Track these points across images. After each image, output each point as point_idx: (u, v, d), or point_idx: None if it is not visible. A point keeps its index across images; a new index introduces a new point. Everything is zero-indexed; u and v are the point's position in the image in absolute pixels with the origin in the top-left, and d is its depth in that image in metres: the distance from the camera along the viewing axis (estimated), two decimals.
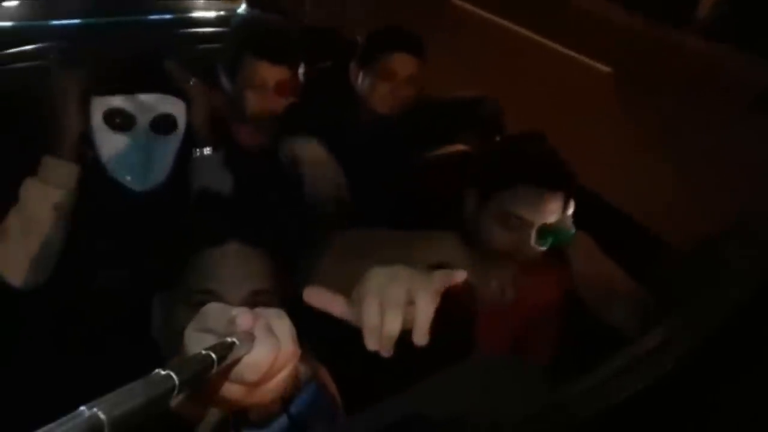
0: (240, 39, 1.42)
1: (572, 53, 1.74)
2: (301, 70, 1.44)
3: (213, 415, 0.51)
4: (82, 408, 0.29)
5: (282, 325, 0.47)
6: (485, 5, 1.97)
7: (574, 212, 1.16)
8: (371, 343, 0.53)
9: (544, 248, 1.13)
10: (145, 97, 1.14)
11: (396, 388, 0.58)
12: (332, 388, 0.85)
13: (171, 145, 1.18)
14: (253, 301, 0.79)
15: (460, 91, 1.77)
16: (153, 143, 1.15)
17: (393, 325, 0.52)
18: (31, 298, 1.08)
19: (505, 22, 1.91)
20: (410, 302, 0.53)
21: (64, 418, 0.28)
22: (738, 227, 1.11)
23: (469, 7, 2.02)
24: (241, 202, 1.10)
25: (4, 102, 1.38)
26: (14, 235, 1.06)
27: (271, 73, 1.39)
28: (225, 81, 1.45)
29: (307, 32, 2.00)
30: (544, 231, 1.12)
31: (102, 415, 0.29)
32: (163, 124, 1.16)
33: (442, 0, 2.10)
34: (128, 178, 1.15)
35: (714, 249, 1.10)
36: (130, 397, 0.31)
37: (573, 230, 1.15)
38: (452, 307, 0.56)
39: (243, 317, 0.45)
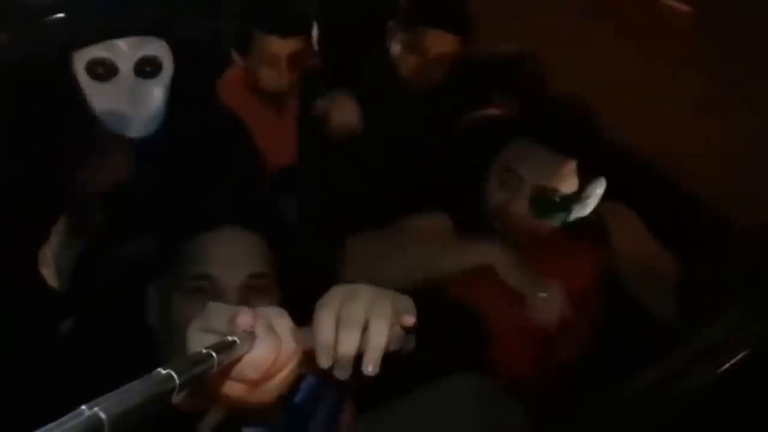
0: (247, 14, 1.40)
1: None
2: (314, 34, 1.42)
3: (214, 413, 0.51)
4: (83, 407, 0.29)
5: (283, 323, 0.47)
6: None
7: (615, 187, 1.08)
8: (323, 360, 0.51)
9: (540, 218, 1.05)
10: (123, 42, 1.10)
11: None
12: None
13: (159, 87, 1.14)
14: (250, 285, 0.78)
15: (500, 48, 1.68)
16: (140, 88, 1.12)
17: (348, 345, 0.50)
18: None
19: None
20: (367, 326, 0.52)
21: (64, 418, 0.28)
22: None
23: None
24: (237, 186, 1.08)
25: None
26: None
27: (282, 47, 1.36)
28: (236, 57, 1.43)
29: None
30: (540, 198, 1.03)
31: (102, 415, 0.29)
32: (147, 68, 1.12)
33: None
34: (122, 127, 1.13)
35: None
36: (130, 396, 0.31)
37: (585, 206, 1.06)
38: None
39: (244, 316, 0.45)
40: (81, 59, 1.10)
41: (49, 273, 1.10)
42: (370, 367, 0.51)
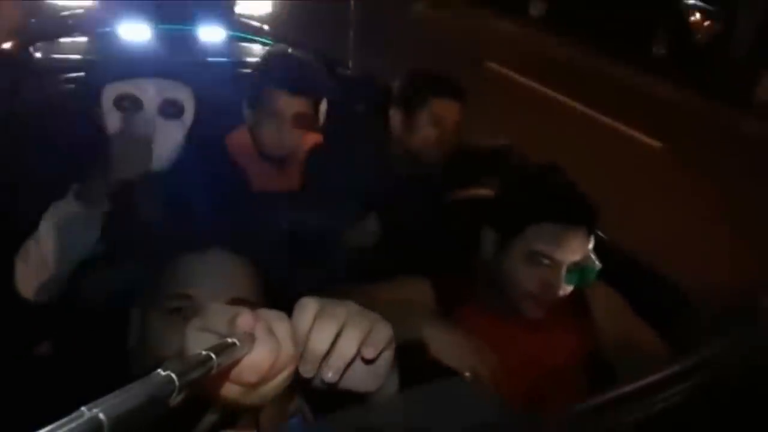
0: (261, 70, 1.44)
1: (621, 126, 1.77)
2: (323, 108, 1.44)
3: (212, 414, 0.50)
4: (83, 409, 0.29)
5: (282, 326, 0.47)
6: (524, 71, 2.03)
7: (606, 270, 1.12)
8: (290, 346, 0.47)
9: (570, 286, 1.09)
10: (152, 82, 1.18)
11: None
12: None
13: (177, 130, 1.21)
14: None
15: (490, 140, 1.78)
16: (160, 127, 1.19)
17: (320, 342, 0.48)
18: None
19: (549, 91, 1.97)
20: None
21: (65, 419, 0.28)
22: None
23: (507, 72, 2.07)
24: (226, 211, 1.09)
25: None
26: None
27: (289, 105, 1.37)
28: (247, 114, 1.45)
29: (345, 79, 2.05)
30: (572, 272, 1.08)
31: (102, 416, 0.29)
32: (169, 109, 1.20)
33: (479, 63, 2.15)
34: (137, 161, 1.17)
35: (746, 308, 1.06)
36: (130, 397, 0.32)
37: (598, 266, 1.11)
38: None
39: (244, 318, 0.44)
40: (110, 93, 1.18)
41: (26, 283, 1.09)
42: (329, 374, 0.49)
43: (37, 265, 1.09)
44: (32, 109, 1.55)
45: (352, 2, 2.66)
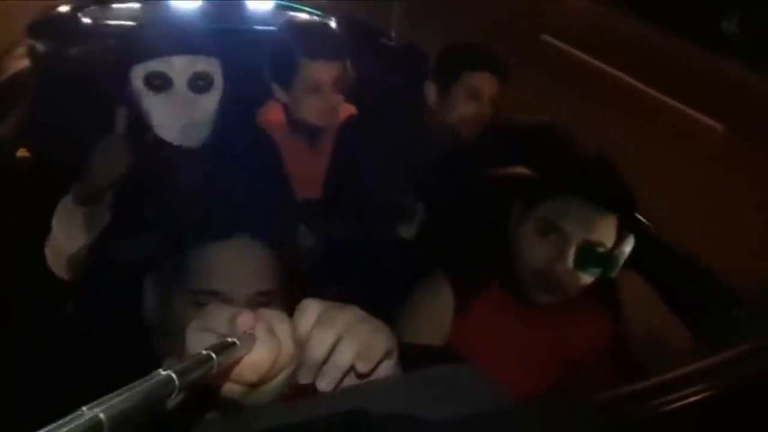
0: (291, 44, 1.42)
1: (679, 105, 1.68)
2: (348, 66, 1.44)
3: (212, 414, 0.50)
4: (82, 408, 0.29)
5: (283, 326, 0.47)
6: (580, 46, 1.94)
7: (643, 260, 1.07)
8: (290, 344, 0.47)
9: (581, 273, 1.03)
10: (179, 59, 1.21)
11: None
12: None
13: (210, 102, 1.24)
14: (258, 302, 0.76)
15: (533, 117, 1.71)
16: (192, 102, 1.22)
17: (318, 346, 0.47)
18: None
19: (607, 68, 1.88)
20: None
21: (64, 419, 0.28)
22: None
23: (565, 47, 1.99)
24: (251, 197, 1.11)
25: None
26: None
27: (327, 72, 1.38)
28: (278, 91, 1.44)
29: (388, 50, 2.01)
30: (585, 252, 1.02)
31: (102, 416, 0.29)
32: (199, 83, 1.22)
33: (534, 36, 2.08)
34: (173, 136, 1.23)
35: None
36: (130, 397, 0.31)
37: (624, 255, 1.04)
38: None
39: (244, 317, 0.45)
40: (139, 73, 1.21)
41: (56, 261, 1.17)
42: (323, 383, 0.49)
43: (55, 254, 1.18)
44: (73, 71, 1.59)
45: None
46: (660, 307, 1.12)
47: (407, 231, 1.48)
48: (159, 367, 0.35)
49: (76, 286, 1.14)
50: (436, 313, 1.12)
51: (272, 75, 1.45)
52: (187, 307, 0.77)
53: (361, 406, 0.45)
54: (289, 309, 0.78)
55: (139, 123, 1.23)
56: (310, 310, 0.49)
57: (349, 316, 0.49)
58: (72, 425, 0.28)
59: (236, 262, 0.78)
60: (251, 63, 1.46)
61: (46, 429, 0.27)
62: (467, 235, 1.25)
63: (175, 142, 1.24)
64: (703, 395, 0.54)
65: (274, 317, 0.47)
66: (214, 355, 0.38)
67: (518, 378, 1.05)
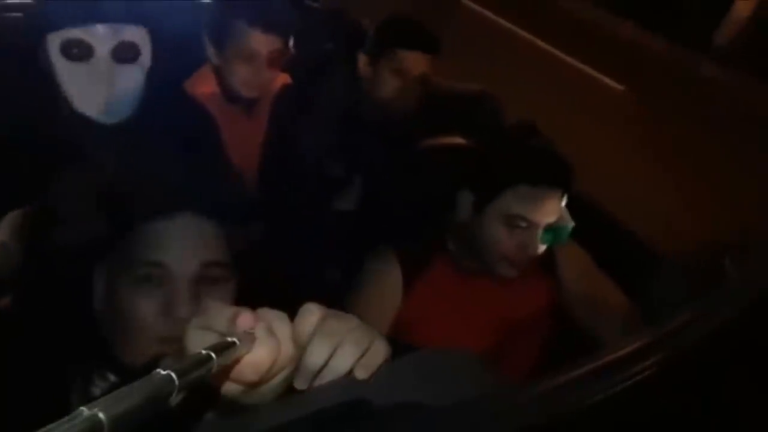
0: (229, 7, 1.36)
1: (585, 67, 1.76)
2: (290, 43, 1.39)
3: (211, 413, 0.50)
4: (82, 408, 0.29)
5: (283, 326, 0.47)
6: (493, 7, 1.98)
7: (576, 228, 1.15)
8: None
9: (544, 246, 1.13)
10: (103, 26, 1.08)
11: None
12: None
13: (135, 74, 1.12)
14: (202, 274, 0.74)
15: (461, 84, 1.74)
16: (115, 73, 1.09)
17: (316, 356, 0.47)
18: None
19: (518, 30, 1.93)
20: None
21: (64, 419, 0.28)
22: (736, 242, 1.11)
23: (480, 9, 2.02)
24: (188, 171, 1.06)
25: None
26: None
27: (263, 43, 1.33)
28: (212, 52, 1.38)
29: (314, 13, 1.97)
30: (547, 231, 1.11)
31: (102, 416, 0.29)
32: (124, 53, 1.10)
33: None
34: (94, 111, 1.10)
35: (711, 262, 1.10)
36: (130, 397, 0.31)
37: (571, 224, 1.14)
38: None
39: (244, 317, 0.45)
40: (55, 41, 1.07)
41: None
42: (302, 384, 0.48)
43: None
44: None
45: None
46: (593, 271, 1.20)
47: (344, 203, 1.48)
48: (108, 355, 0.34)
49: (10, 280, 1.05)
50: (385, 285, 1.16)
51: (208, 31, 1.37)
52: (132, 285, 0.74)
53: (358, 395, 0.46)
54: (238, 284, 0.78)
55: (54, 97, 1.10)
56: (312, 314, 0.48)
57: (349, 323, 0.50)
58: (71, 424, 0.28)
59: (180, 234, 0.76)
60: (185, 32, 1.38)
61: (45, 429, 0.27)
62: (410, 208, 1.27)
63: (97, 117, 1.11)
64: (646, 373, 0.56)
65: (274, 317, 0.47)
66: (213, 355, 0.38)
67: (467, 343, 1.12)
